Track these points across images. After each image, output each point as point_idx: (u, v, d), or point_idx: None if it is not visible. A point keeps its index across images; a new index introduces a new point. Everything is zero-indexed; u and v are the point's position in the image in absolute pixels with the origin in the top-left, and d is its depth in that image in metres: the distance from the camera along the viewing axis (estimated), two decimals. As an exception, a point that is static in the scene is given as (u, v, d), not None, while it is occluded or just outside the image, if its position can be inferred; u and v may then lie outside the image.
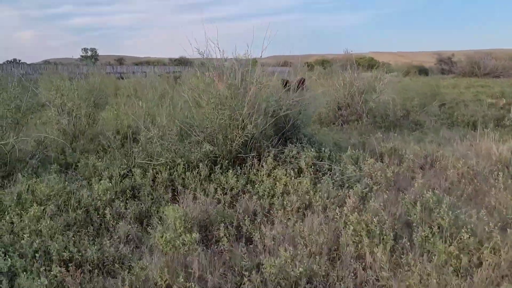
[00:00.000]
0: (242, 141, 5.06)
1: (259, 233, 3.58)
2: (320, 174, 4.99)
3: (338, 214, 3.81)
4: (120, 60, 53.33)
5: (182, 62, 55.04)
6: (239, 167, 5.06)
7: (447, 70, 31.78)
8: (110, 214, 3.87)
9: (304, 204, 4.17)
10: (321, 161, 5.26)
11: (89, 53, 71.79)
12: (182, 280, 2.81)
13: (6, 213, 3.77)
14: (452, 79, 23.53)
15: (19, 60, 47.14)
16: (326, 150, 5.42)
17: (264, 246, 3.42)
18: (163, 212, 3.98)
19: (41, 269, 2.94)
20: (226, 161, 5.08)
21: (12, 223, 3.59)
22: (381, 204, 3.89)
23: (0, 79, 7.25)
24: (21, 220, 3.59)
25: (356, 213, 3.68)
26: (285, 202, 4.17)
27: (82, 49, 73.08)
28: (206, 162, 4.96)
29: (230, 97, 5.14)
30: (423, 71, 30.52)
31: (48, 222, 3.50)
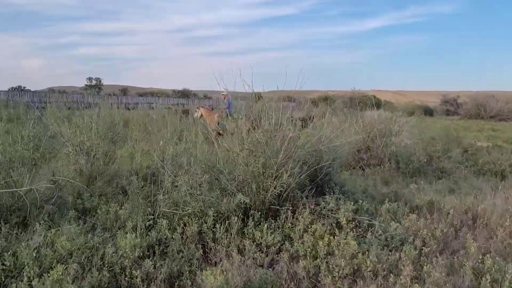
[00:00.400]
0: (277, 192, 4.70)
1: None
2: (360, 230, 4.61)
3: (395, 284, 3.40)
4: (124, 91, 53.69)
5: (186, 94, 55.60)
6: (272, 220, 4.68)
7: (452, 111, 31.85)
8: (139, 276, 3.45)
9: (352, 269, 3.76)
10: (360, 215, 4.89)
11: (94, 83, 72.53)
12: None
13: (23, 272, 3.35)
14: (459, 121, 23.46)
15: (24, 87, 47.39)
16: (364, 203, 5.07)
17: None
18: (195, 273, 3.58)
19: None
20: (259, 213, 4.70)
21: (31, 286, 3.17)
22: (442, 273, 3.50)
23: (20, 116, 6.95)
24: (42, 283, 3.16)
25: (416, 284, 3.28)
26: (331, 267, 3.76)
27: (86, 78, 73.83)
28: (238, 213, 4.58)
29: (265, 143, 4.82)
30: (428, 111, 30.60)
31: (72, 287, 3.09)
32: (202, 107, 13.75)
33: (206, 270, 3.47)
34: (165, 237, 4.25)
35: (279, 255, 4.10)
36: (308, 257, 3.99)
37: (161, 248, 4.07)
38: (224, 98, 12.54)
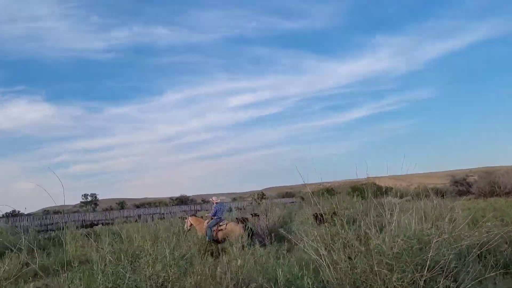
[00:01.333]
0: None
1: None
2: None
3: None
4: (122, 204, 52.55)
5: (183, 200, 54.67)
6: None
7: (464, 191, 31.43)
8: None
9: None
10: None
11: (89, 199, 71.29)
12: None
13: None
14: (480, 201, 22.93)
15: (18, 211, 45.88)
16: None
17: None
18: None
19: None
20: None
21: None
22: None
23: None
24: None
25: None
26: None
27: (82, 195, 72.80)
28: None
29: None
30: (439, 193, 30.20)
31: None
32: (190, 216, 13.27)
33: None
34: None
35: None
36: None
37: None
38: (214, 204, 12.47)
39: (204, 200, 57.39)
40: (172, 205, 48.10)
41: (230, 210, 23.26)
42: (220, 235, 11.43)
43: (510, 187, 25.70)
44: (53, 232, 17.12)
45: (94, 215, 26.51)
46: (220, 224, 11.70)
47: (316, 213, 12.96)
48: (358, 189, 40.24)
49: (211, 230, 11.44)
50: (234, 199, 58.63)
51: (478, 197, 26.70)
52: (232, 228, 11.42)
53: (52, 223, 25.00)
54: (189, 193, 58.13)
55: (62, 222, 21.47)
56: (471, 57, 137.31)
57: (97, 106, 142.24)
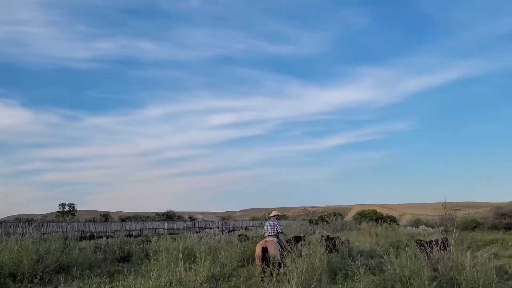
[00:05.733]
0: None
1: None
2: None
3: None
4: (106, 216, 52.62)
5: (170, 216, 55.13)
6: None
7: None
8: None
9: None
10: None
11: (67, 209, 70.61)
12: None
13: None
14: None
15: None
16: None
17: None
18: None
19: None
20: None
21: None
22: None
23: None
24: None
25: None
26: None
27: (59, 204, 71.99)
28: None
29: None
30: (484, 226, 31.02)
31: None
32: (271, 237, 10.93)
33: None
34: None
35: None
36: None
37: None
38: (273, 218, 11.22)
39: (192, 217, 57.96)
40: (158, 220, 48.63)
41: None
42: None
43: None
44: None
45: (95, 226, 27.22)
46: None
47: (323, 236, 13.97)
48: (366, 216, 41.81)
49: None
50: (223, 218, 59.69)
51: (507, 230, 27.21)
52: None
53: (50, 232, 25.53)
54: (164, 209, 58.49)
55: (62, 232, 22.25)
56: (450, 93, 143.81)
57: (76, 115, 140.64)
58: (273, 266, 8.27)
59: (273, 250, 10.02)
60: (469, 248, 8.34)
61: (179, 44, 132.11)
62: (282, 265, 8.98)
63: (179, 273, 8.11)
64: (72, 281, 10.13)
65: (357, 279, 7.00)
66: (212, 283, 9.10)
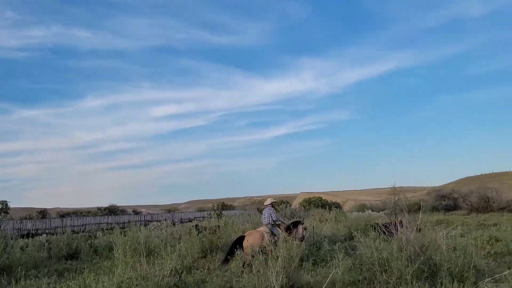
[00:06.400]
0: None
1: None
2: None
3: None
4: (43, 213, 49.26)
5: (113, 210, 52.88)
6: None
7: (451, 206, 32.62)
8: None
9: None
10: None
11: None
12: None
13: None
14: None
15: None
16: None
17: None
18: None
19: None
20: None
21: None
22: None
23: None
24: None
25: None
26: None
27: (-10, 201, 66.28)
28: None
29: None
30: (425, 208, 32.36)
31: None
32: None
33: None
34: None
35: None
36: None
37: None
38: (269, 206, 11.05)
39: (136, 211, 55.99)
40: (101, 215, 46.46)
41: None
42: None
43: (504, 202, 28.14)
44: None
45: (33, 224, 25.12)
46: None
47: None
48: (312, 203, 42.72)
49: None
50: (169, 211, 58.25)
51: (470, 212, 28.31)
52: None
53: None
54: (105, 203, 56.16)
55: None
56: (386, 84, 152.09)
57: (6, 107, 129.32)
58: (253, 256, 8.22)
59: (251, 240, 10.00)
60: (420, 230, 8.66)
61: (117, 33, 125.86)
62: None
63: (140, 268, 7.64)
64: (16, 282, 9.20)
65: (335, 265, 7.05)
66: (175, 277, 8.70)
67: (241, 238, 10.34)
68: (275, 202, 11.53)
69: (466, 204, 30.73)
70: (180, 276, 8.97)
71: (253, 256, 8.16)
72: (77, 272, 10.53)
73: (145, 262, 7.97)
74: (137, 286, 6.81)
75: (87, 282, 6.68)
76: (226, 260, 9.94)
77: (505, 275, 6.39)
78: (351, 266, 7.36)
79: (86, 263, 12.50)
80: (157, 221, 37.15)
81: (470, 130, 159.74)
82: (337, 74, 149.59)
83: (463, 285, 6.00)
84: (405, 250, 6.61)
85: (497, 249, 10.75)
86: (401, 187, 27.00)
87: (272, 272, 6.08)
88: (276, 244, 9.76)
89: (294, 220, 13.18)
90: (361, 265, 6.95)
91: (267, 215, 10.82)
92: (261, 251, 9.21)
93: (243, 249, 9.95)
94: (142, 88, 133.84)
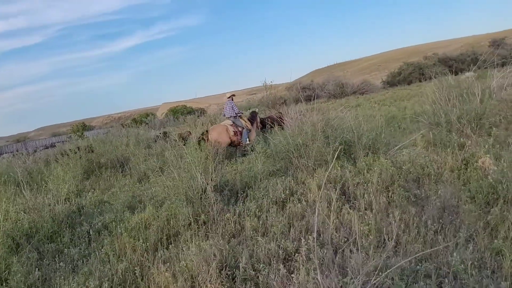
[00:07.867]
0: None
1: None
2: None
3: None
4: None
5: None
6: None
7: (311, 95, 34.54)
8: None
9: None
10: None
11: None
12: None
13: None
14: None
15: None
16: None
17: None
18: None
19: None
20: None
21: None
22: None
23: None
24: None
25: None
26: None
27: None
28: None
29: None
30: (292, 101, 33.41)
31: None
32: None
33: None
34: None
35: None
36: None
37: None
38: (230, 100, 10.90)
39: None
40: None
41: None
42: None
43: (355, 87, 32.18)
44: None
45: None
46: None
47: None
48: (178, 112, 41.12)
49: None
50: (18, 141, 50.35)
51: (329, 99, 30.70)
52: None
53: None
54: None
55: None
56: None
57: None
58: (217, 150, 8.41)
59: (216, 134, 9.98)
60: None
61: None
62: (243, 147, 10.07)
63: (28, 199, 6.19)
64: None
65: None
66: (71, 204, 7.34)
67: (205, 135, 10.21)
68: (234, 95, 11.23)
69: (324, 93, 33.47)
70: (76, 203, 7.65)
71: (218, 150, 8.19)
72: None
73: (29, 193, 6.44)
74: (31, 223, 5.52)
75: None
76: None
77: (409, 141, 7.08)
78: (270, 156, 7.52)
79: None
80: (5, 153, 31.99)
81: (312, 25, 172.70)
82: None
83: (377, 155, 6.38)
84: (322, 132, 6.66)
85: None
86: (256, 87, 28.18)
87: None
88: (241, 134, 10.18)
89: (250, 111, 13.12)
90: (278, 153, 6.92)
91: (229, 108, 10.74)
92: (230, 143, 10.00)
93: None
94: None
